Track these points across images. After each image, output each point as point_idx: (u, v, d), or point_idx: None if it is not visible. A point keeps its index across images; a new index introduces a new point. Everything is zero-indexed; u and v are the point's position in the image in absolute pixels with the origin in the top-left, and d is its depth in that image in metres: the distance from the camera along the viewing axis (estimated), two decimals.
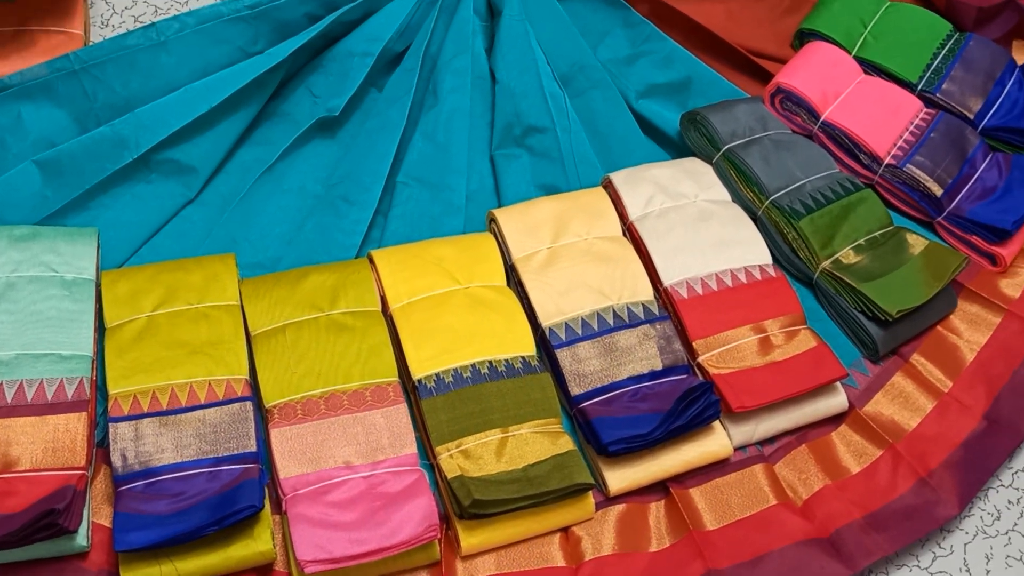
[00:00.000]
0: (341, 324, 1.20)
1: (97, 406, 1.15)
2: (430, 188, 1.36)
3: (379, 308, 1.23)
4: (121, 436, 1.10)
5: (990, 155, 1.41)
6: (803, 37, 1.52)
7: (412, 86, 1.37)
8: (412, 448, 1.13)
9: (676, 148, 1.44)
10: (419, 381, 1.16)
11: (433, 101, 1.40)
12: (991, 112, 1.45)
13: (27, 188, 1.26)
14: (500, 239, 1.29)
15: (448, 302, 1.22)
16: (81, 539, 1.06)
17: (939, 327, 1.31)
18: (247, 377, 1.16)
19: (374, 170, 1.34)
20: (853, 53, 1.48)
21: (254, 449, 1.11)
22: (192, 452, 1.10)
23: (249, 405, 1.13)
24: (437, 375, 1.17)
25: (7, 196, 1.25)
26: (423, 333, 1.19)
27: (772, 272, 1.29)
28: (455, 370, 1.17)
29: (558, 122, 1.39)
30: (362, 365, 1.17)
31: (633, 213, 1.31)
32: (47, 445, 1.08)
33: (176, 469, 1.09)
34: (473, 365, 1.17)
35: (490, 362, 1.18)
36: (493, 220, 1.31)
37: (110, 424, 1.10)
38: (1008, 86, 1.47)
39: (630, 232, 1.31)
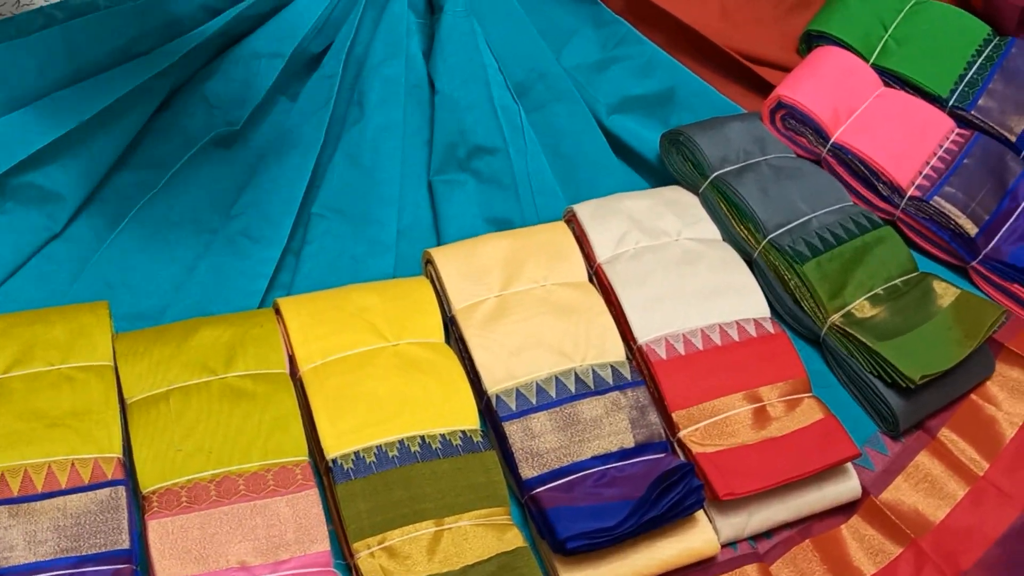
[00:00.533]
0: (239, 390, 1.18)
1: None
2: (353, 222, 1.36)
3: (286, 370, 1.22)
4: None
5: None
6: (811, 40, 1.54)
7: (332, 96, 1.38)
8: (324, 544, 1.12)
9: (656, 175, 1.45)
10: (334, 461, 1.15)
11: (358, 115, 1.41)
12: None
13: None
14: (438, 285, 1.29)
15: (372, 363, 1.22)
16: None
17: (973, 396, 1.31)
18: (120, 456, 1.14)
19: (284, 198, 1.33)
20: (871, 61, 1.50)
21: (127, 546, 1.09)
22: (49, 550, 1.08)
23: (122, 491, 1.11)
24: (356, 454, 1.16)
25: None
26: (340, 401, 1.18)
27: (770, 328, 1.29)
28: (379, 447, 1.16)
29: (511, 141, 1.40)
30: (264, 441, 1.16)
31: (602, 254, 1.32)
32: None
33: (29, 571, 1.07)
34: (401, 441, 1.17)
35: (422, 438, 1.17)
36: (430, 261, 1.30)
37: None
38: None
39: (598, 277, 1.31)
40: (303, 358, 1.22)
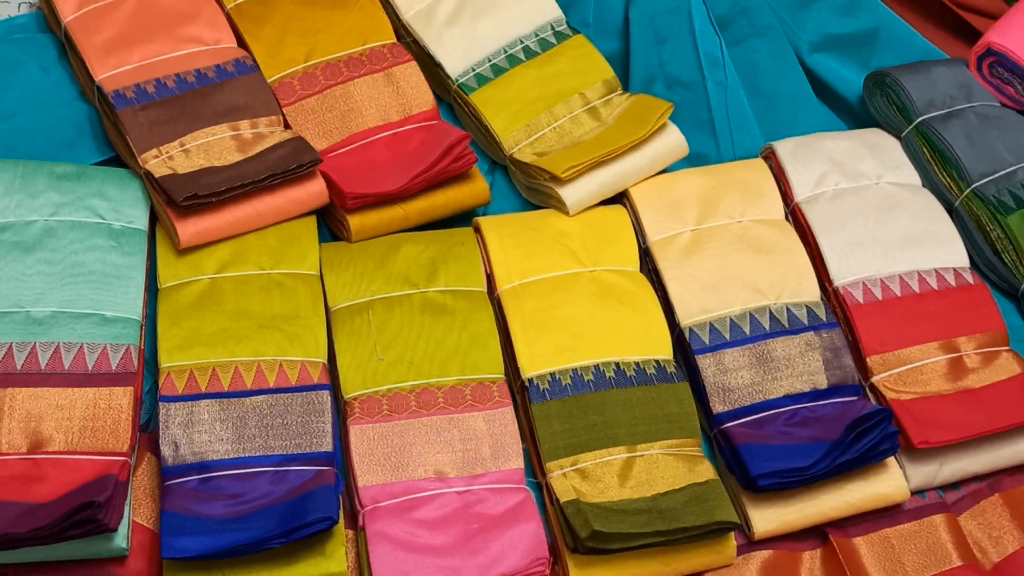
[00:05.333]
0: (440, 305, 1.21)
1: (144, 382, 1.17)
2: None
3: (485, 288, 1.24)
4: (172, 419, 1.11)
5: None
6: None
7: None
8: (518, 462, 1.14)
9: (856, 117, 1.44)
10: (530, 381, 1.17)
11: None
12: None
13: None
14: (633, 217, 1.30)
15: (570, 287, 1.23)
16: (120, 540, 1.08)
17: None
18: (324, 361, 1.17)
19: None
20: None
21: (329, 449, 1.12)
22: (256, 446, 1.11)
23: (326, 395, 1.15)
24: (552, 375, 1.18)
25: None
26: (538, 324, 1.21)
27: (969, 278, 1.28)
28: (575, 371, 1.18)
29: (710, 75, 1.39)
30: (463, 357, 1.18)
31: (800, 193, 1.31)
32: (85, 423, 1.10)
33: (236, 465, 1.11)
34: (597, 366, 1.18)
35: (617, 364, 1.19)
36: (626, 195, 1.31)
37: (160, 404, 1.12)
38: None
39: (795, 216, 1.31)
40: (502, 278, 1.24)
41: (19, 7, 1.40)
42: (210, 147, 1.25)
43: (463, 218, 1.30)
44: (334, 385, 1.18)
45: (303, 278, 1.22)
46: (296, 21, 1.34)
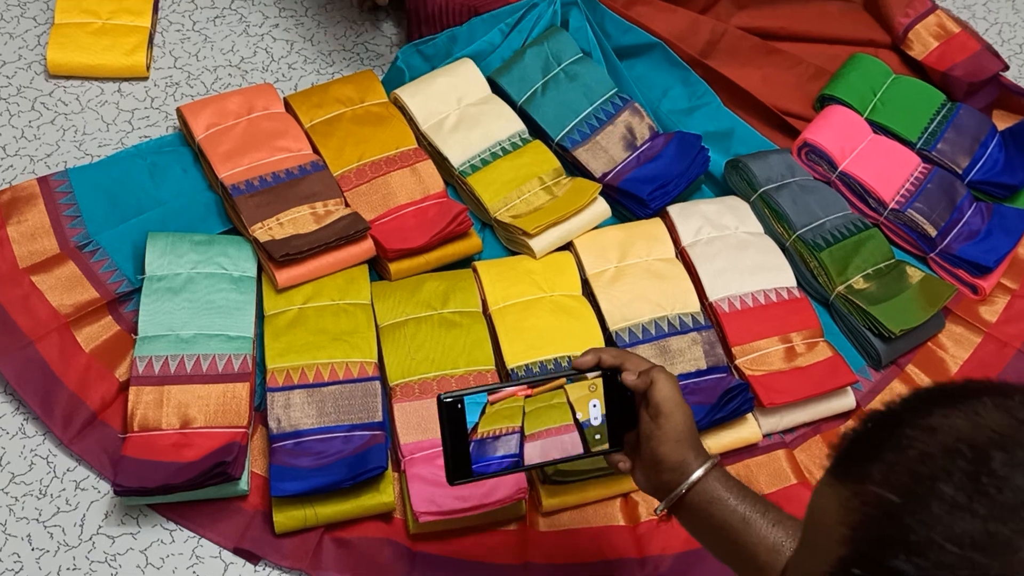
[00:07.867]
0: (451, 321, 1.19)
1: (256, 378, 1.14)
2: None
3: (480, 309, 1.21)
4: (276, 403, 1.09)
5: (975, 204, 1.37)
6: (824, 101, 1.47)
7: None
8: None
9: (720, 187, 1.40)
10: (512, 370, 1.15)
11: None
12: (976, 168, 1.41)
13: None
14: (577, 258, 1.27)
15: (536, 307, 1.21)
16: (243, 485, 1.06)
17: (930, 343, 1.28)
18: (376, 361, 1.15)
19: None
20: (865, 116, 1.44)
21: (380, 419, 1.10)
22: (331, 419, 1.09)
23: (377, 384, 1.12)
24: (526, 366, 1.15)
25: None
26: (516, 331, 1.18)
27: (797, 293, 1.26)
28: (541, 362, 1.15)
29: None
30: (467, 355, 1.16)
31: (685, 240, 1.29)
32: (217, 407, 1.09)
33: (319, 432, 1.08)
34: (555, 359, 1.16)
35: (569, 358, 1.16)
36: (571, 244, 1.28)
37: (267, 393, 1.10)
38: (990, 147, 1.43)
39: (682, 256, 1.29)
40: (492, 302, 1.21)
41: (167, 129, 1.36)
42: (296, 221, 1.21)
43: (464, 263, 1.27)
44: (383, 377, 1.15)
45: (360, 306, 1.19)
46: (351, 135, 1.30)
